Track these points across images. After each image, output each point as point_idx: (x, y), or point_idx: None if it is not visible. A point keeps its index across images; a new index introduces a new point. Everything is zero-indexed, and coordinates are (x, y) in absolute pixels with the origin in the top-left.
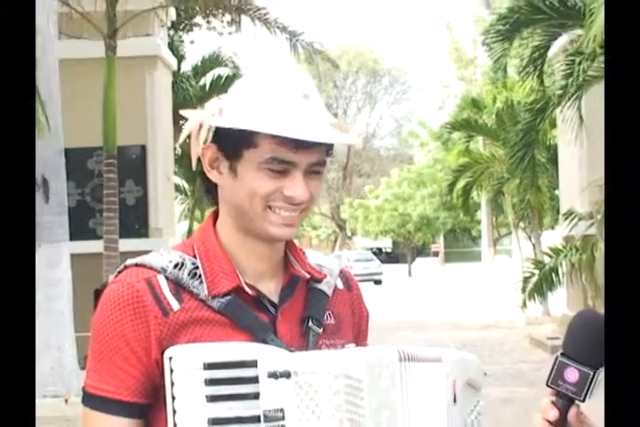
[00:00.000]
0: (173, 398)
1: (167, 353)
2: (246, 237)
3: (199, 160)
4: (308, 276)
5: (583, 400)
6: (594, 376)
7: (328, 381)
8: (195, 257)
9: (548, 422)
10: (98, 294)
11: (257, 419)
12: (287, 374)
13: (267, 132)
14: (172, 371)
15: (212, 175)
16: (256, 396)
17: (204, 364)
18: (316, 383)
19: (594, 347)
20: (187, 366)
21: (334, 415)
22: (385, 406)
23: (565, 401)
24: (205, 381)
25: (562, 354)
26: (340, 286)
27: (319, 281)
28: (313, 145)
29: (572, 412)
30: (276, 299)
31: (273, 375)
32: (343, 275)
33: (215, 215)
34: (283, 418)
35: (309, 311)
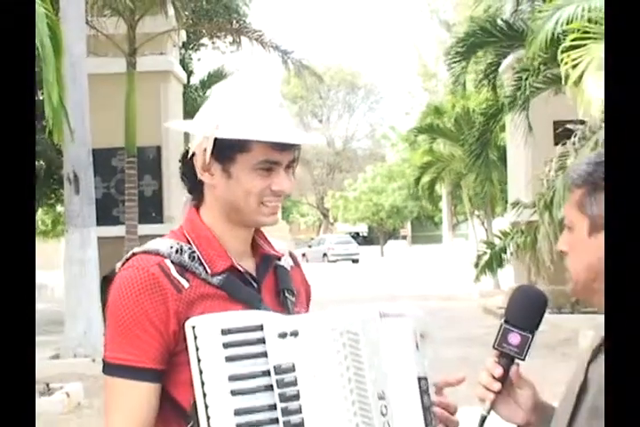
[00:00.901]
0: (199, 360)
1: (190, 323)
2: (232, 225)
3: (189, 165)
4: (276, 255)
5: (523, 359)
6: (532, 339)
7: (333, 336)
8: (188, 243)
9: (493, 377)
10: (106, 280)
11: (267, 373)
12: (295, 333)
13: (261, 140)
14: (195, 337)
15: (205, 177)
16: (264, 354)
17: (222, 330)
18: (323, 339)
19: (530, 315)
20: (208, 332)
21: (341, 364)
22: (375, 353)
23: (508, 360)
24: (223, 344)
25: (505, 321)
26: (292, 263)
27: (279, 259)
28: (292, 146)
29: (513, 369)
30: (254, 274)
31: (282, 335)
32: (290, 255)
33: (196, 209)
34: (294, 370)
35: (282, 284)
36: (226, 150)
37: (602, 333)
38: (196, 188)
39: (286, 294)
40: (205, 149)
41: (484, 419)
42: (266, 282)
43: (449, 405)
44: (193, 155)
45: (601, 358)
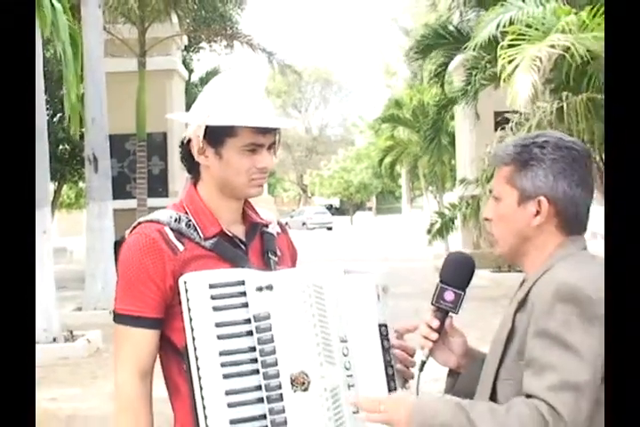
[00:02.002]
0: (189, 309)
1: (182, 278)
2: (225, 197)
3: (187, 149)
4: (263, 223)
5: (457, 312)
6: (463, 296)
7: (301, 289)
8: (186, 213)
9: (431, 328)
10: (117, 245)
11: (248, 321)
12: (270, 287)
13: (246, 125)
14: (186, 291)
15: (201, 159)
16: (246, 305)
17: (210, 284)
18: (292, 292)
19: (461, 276)
20: (197, 286)
21: (307, 311)
22: (338, 303)
23: (443, 314)
24: (211, 296)
25: (441, 282)
26: (279, 231)
27: (267, 226)
28: (273, 130)
29: (447, 322)
30: (244, 239)
31: (259, 289)
32: (279, 224)
33: (194, 185)
34: (269, 318)
35: (267, 247)
36: (217, 135)
37: (526, 286)
38: (193, 168)
39: (270, 255)
40: (199, 136)
41: (423, 363)
42: (253, 245)
43: (407, 347)
44: (189, 140)
45: (526, 310)
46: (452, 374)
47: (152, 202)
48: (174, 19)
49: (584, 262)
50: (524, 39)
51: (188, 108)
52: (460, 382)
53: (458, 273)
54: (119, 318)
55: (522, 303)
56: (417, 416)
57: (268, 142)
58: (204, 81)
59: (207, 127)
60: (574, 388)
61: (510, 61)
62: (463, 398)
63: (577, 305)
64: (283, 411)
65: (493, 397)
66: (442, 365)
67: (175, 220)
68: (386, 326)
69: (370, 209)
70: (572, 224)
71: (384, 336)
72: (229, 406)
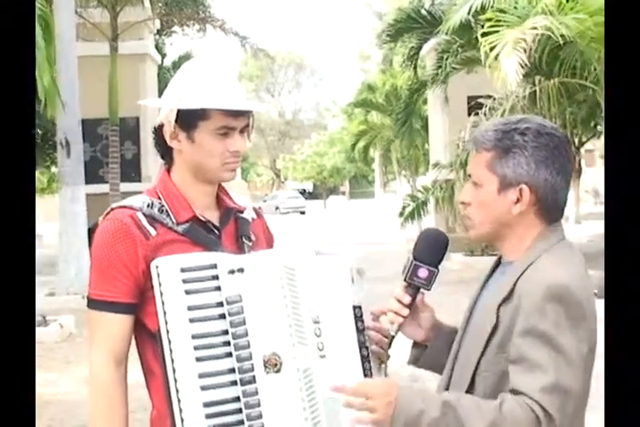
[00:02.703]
0: (161, 293)
1: (154, 263)
2: (199, 182)
3: (160, 134)
4: (238, 208)
5: (429, 289)
6: (437, 273)
7: (272, 271)
8: (159, 198)
9: (402, 304)
10: (91, 231)
11: (220, 304)
12: (242, 270)
13: (218, 108)
14: (158, 275)
15: (174, 144)
16: (218, 288)
17: (181, 268)
18: (264, 274)
19: (435, 253)
20: (169, 270)
21: (278, 293)
22: (311, 285)
23: (415, 291)
24: (183, 280)
25: (414, 258)
26: (254, 216)
27: (242, 212)
28: (245, 113)
29: (419, 298)
30: (217, 224)
31: (231, 272)
32: (254, 209)
33: (167, 170)
34: (241, 300)
35: (241, 231)
36: (189, 119)
37: (512, 279)
38: (166, 153)
39: (244, 240)
40: (171, 120)
41: (392, 338)
42: (227, 230)
43: (382, 329)
44: (162, 125)
45: (511, 304)
46: (418, 345)
47: (125, 187)
48: (146, 3)
49: (568, 257)
50: (501, 25)
51: (160, 92)
52: (427, 355)
53: (432, 250)
54: (93, 303)
55: (507, 297)
56: (401, 416)
57: (241, 126)
58: (176, 65)
59: (179, 111)
60: (564, 391)
61: (492, 48)
62: (427, 370)
63: (566, 306)
64: (256, 393)
65: (471, 388)
66: (409, 338)
67: (148, 205)
68: (360, 307)
69: (343, 193)
70: (552, 211)
71: (358, 318)
72: (203, 388)
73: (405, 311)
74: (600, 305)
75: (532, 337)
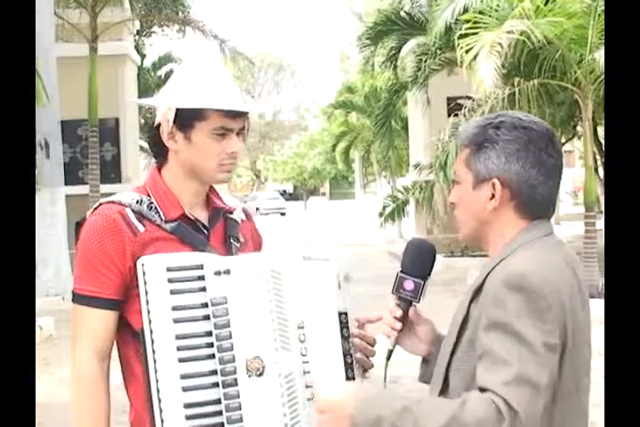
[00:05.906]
0: (146, 292)
1: (140, 261)
2: (190, 181)
3: (156, 134)
4: (227, 209)
5: (418, 301)
6: (424, 285)
7: (258, 274)
8: (149, 196)
9: (395, 318)
10: (78, 225)
11: (205, 305)
12: (228, 272)
13: (216, 108)
14: (144, 273)
15: (170, 144)
16: (203, 289)
17: (167, 267)
18: (250, 277)
19: (422, 265)
20: (155, 269)
21: (264, 297)
22: (296, 290)
23: (406, 303)
24: (168, 279)
25: (401, 271)
26: (243, 217)
27: (231, 213)
28: (243, 114)
29: (411, 311)
30: (206, 224)
31: (217, 273)
32: (244, 210)
33: (158, 169)
34: (226, 302)
35: (229, 232)
36: (186, 119)
37: (483, 273)
38: (161, 153)
39: (232, 241)
40: (169, 120)
41: (390, 352)
42: (215, 230)
43: (367, 336)
44: (159, 125)
45: (480, 299)
46: (425, 361)
47: (104, 188)
48: (126, 3)
49: (545, 252)
50: (479, 27)
51: (140, 93)
52: (430, 370)
53: (418, 262)
54: (77, 298)
55: (477, 292)
56: (360, 425)
57: (238, 127)
58: (156, 66)
59: (177, 111)
60: (529, 383)
61: (468, 50)
62: None
63: (527, 295)
64: (237, 396)
65: (445, 386)
66: (410, 353)
67: (137, 201)
68: (346, 314)
69: (323, 194)
70: (531, 207)
71: (344, 324)
72: (184, 389)
73: (398, 325)
74: (600, 305)
75: (494, 330)
